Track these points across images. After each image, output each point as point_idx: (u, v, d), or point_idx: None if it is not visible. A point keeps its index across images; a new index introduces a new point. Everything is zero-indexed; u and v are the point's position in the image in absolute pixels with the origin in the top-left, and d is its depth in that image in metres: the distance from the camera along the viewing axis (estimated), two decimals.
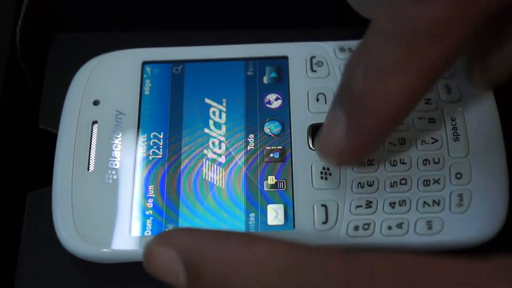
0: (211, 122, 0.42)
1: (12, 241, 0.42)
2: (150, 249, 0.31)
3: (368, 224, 0.38)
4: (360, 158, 0.38)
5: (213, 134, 0.42)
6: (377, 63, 0.32)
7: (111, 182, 0.41)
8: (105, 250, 0.39)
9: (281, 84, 0.43)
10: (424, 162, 0.40)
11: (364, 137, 0.34)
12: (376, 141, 0.35)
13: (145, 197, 0.40)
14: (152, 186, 0.41)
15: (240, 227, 0.40)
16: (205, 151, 0.42)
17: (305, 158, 0.41)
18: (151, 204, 0.40)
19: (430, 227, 0.38)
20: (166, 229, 0.34)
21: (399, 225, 0.38)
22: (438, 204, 0.39)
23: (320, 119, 0.41)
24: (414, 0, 0.30)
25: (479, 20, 0.31)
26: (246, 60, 0.44)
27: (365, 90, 0.32)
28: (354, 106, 0.33)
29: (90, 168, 0.41)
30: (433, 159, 0.40)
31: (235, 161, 0.41)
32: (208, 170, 0.41)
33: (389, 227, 0.38)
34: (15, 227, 0.43)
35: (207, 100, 0.43)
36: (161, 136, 0.42)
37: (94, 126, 0.42)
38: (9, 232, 0.43)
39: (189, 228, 0.33)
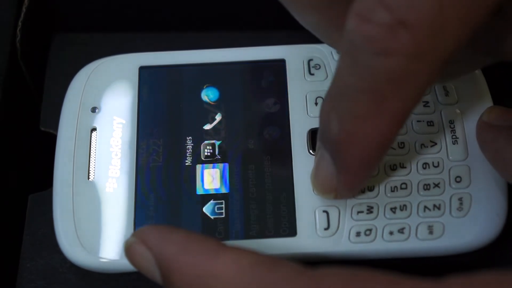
0: (209, 127, 0.40)
1: (13, 244, 0.40)
2: (130, 246, 0.31)
3: (370, 230, 0.36)
4: (354, 191, 0.37)
5: (212, 139, 0.39)
6: (349, 111, 0.30)
7: (111, 191, 0.38)
8: (107, 260, 0.37)
9: (279, 88, 0.40)
10: (424, 165, 0.38)
11: (351, 175, 0.34)
12: (365, 176, 0.34)
13: (146, 205, 0.38)
14: (153, 194, 0.38)
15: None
16: (204, 157, 0.39)
17: (306, 163, 0.38)
18: (153, 212, 0.38)
19: (431, 232, 0.36)
20: (143, 227, 0.32)
21: (401, 230, 0.36)
22: (439, 208, 0.37)
23: None
24: (375, 52, 0.28)
25: (440, 64, 0.28)
26: (243, 63, 0.41)
27: (342, 137, 0.31)
28: (335, 150, 0.33)
29: (90, 177, 0.39)
30: (433, 162, 0.38)
31: (235, 166, 0.39)
32: (209, 175, 0.38)
33: (391, 233, 0.36)
34: (16, 230, 0.41)
35: (205, 105, 0.40)
36: (160, 143, 0.39)
37: (93, 134, 0.40)
38: (10, 234, 0.41)
39: (162, 229, 0.31)
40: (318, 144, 0.35)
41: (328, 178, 0.35)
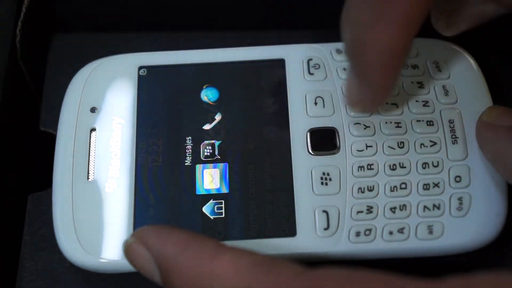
0: (209, 127, 0.40)
1: (13, 244, 0.40)
2: (129, 246, 0.31)
3: (370, 230, 0.36)
4: (376, 102, 0.37)
5: (212, 139, 0.39)
6: (355, 21, 0.32)
7: (111, 191, 0.38)
8: (106, 260, 0.37)
9: (279, 87, 0.40)
10: (423, 165, 0.37)
11: (372, 86, 0.34)
12: (385, 85, 0.34)
13: (146, 206, 0.38)
14: (153, 194, 0.38)
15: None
16: (204, 157, 0.39)
17: (305, 163, 0.38)
18: (152, 212, 0.37)
19: (431, 232, 0.36)
20: (143, 227, 0.32)
21: (400, 230, 0.36)
22: (438, 208, 0.37)
23: (319, 123, 0.39)
24: None
25: None
26: (243, 63, 0.41)
27: (353, 45, 0.33)
28: (351, 60, 0.34)
29: (90, 177, 0.38)
30: (432, 162, 0.38)
31: (235, 166, 0.38)
32: (208, 175, 0.38)
33: (390, 232, 0.36)
34: (16, 230, 0.41)
35: (205, 105, 0.40)
36: (160, 143, 0.39)
37: (92, 134, 0.39)
38: (10, 234, 0.41)
39: (162, 229, 0.31)
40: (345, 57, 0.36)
41: (353, 92, 0.35)
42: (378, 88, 0.35)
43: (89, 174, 0.38)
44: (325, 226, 0.36)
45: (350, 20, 0.32)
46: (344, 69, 0.40)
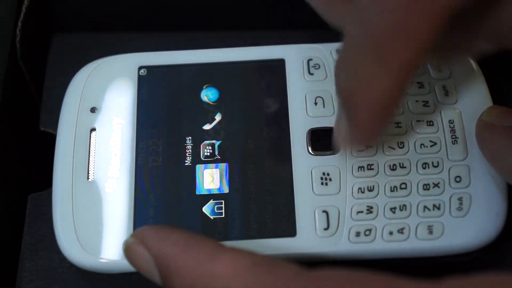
0: (209, 127, 0.39)
1: (13, 244, 0.40)
2: (129, 246, 0.31)
3: (370, 230, 0.36)
4: (366, 143, 0.37)
5: (212, 139, 0.39)
6: (354, 69, 0.31)
7: (111, 191, 0.38)
8: (106, 260, 0.36)
9: (278, 87, 0.40)
10: (423, 165, 0.37)
11: (361, 129, 0.33)
12: (374, 131, 0.34)
13: (146, 206, 0.38)
14: (153, 194, 0.38)
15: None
16: (204, 157, 0.39)
17: (305, 163, 0.38)
18: (153, 212, 0.37)
19: (431, 232, 0.36)
20: (143, 227, 0.32)
21: (400, 230, 0.36)
22: (438, 208, 0.36)
23: (319, 123, 0.39)
24: (375, 8, 0.29)
25: (440, 21, 0.29)
26: (243, 63, 0.41)
27: (350, 93, 0.32)
28: (345, 105, 0.33)
29: (90, 177, 0.38)
30: (432, 162, 0.37)
31: (235, 166, 0.38)
32: (208, 175, 0.38)
33: (390, 233, 0.36)
34: (16, 230, 0.41)
35: (205, 105, 0.40)
36: (160, 143, 0.39)
37: (92, 134, 0.39)
38: (10, 234, 0.41)
39: (162, 229, 0.31)
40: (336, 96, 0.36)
41: (343, 128, 0.35)
42: (369, 132, 0.34)
43: (89, 174, 0.38)
44: (325, 226, 0.36)
45: (346, 64, 0.32)
46: None
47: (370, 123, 0.33)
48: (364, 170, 0.37)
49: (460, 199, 0.36)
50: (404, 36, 0.29)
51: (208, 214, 0.37)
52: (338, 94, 0.34)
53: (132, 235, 0.31)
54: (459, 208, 0.36)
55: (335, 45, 0.41)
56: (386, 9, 0.29)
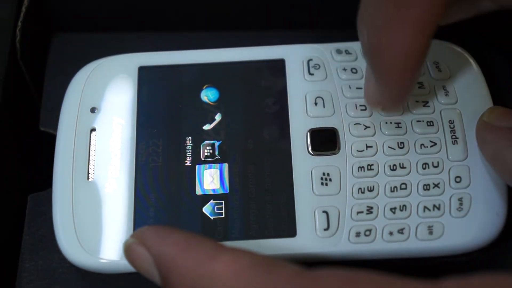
0: (209, 127, 0.39)
1: (12, 244, 0.40)
2: (129, 246, 0.31)
3: (370, 230, 0.36)
4: (396, 102, 0.37)
5: (212, 140, 0.39)
6: (372, 22, 0.32)
7: (111, 191, 0.38)
8: (106, 260, 0.37)
9: (279, 88, 0.40)
10: (424, 166, 0.37)
11: (390, 85, 0.34)
12: (404, 87, 0.34)
13: (146, 206, 0.38)
14: (153, 194, 0.38)
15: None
16: (204, 157, 0.39)
17: (305, 163, 0.38)
18: (153, 213, 0.37)
19: (431, 232, 0.36)
20: (142, 227, 0.32)
21: (400, 231, 0.36)
22: (439, 208, 0.36)
23: (319, 123, 0.39)
24: None
25: None
26: (243, 63, 0.41)
27: (371, 47, 0.33)
28: (371, 62, 0.34)
29: (90, 177, 0.38)
30: (432, 162, 0.37)
31: (235, 166, 0.38)
32: (208, 176, 0.38)
33: (391, 233, 0.36)
34: (15, 230, 0.40)
35: (205, 105, 0.40)
36: (160, 143, 0.39)
37: (92, 134, 0.39)
38: (10, 234, 0.41)
39: (161, 229, 0.31)
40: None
41: (372, 93, 0.35)
42: (397, 90, 0.35)
43: (89, 174, 0.38)
44: (325, 226, 0.36)
45: (366, 21, 0.32)
46: (344, 69, 0.40)
47: (400, 77, 0.33)
48: (364, 170, 0.37)
49: (460, 199, 0.36)
50: None
51: (208, 215, 0.37)
52: (364, 53, 0.34)
53: (132, 236, 0.31)
54: (459, 209, 0.36)
55: (335, 45, 0.41)
56: None
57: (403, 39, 0.31)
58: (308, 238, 0.36)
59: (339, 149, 0.38)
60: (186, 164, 0.38)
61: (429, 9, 0.30)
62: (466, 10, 0.36)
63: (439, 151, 0.38)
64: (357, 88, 0.39)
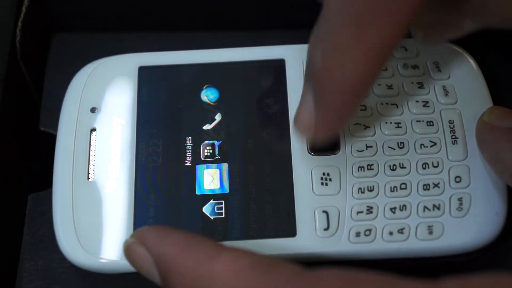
0: (209, 127, 0.39)
1: (13, 244, 0.40)
2: (129, 246, 0.31)
3: (370, 230, 0.36)
4: (329, 129, 0.35)
5: (212, 140, 0.39)
6: (330, 44, 0.31)
7: (111, 191, 0.38)
8: (106, 260, 0.36)
9: (279, 87, 0.40)
10: (423, 166, 0.37)
11: (329, 113, 0.33)
12: (342, 114, 0.33)
13: (146, 206, 0.38)
14: (153, 194, 0.38)
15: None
16: (204, 157, 0.39)
17: (305, 163, 0.38)
18: (153, 213, 0.37)
19: (431, 232, 0.36)
20: (142, 227, 0.32)
21: (400, 231, 0.36)
22: (438, 208, 0.36)
23: None
24: None
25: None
26: (243, 63, 0.41)
27: (323, 70, 0.31)
28: (317, 85, 0.32)
29: (90, 177, 0.38)
30: (432, 162, 0.37)
31: (234, 166, 0.38)
32: (208, 175, 0.38)
33: (390, 233, 0.36)
34: (16, 230, 0.40)
35: (205, 105, 0.40)
36: (160, 143, 0.39)
37: (92, 134, 0.39)
38: (10, 234, 0.40)
39: (161, 229, 0.31)
40: (304, 83, 0.34)
41: (306, 115, 0.34)
42: (337, 116, 0.34)
43: (89, 174, 0.38)
44: (325, 226, 0.36)
45: (321, 43, 0.31)
46: None
47: (340, 105, 0.32)
48: (364, 170, 0.37)
49: (460, 199, 0.36)
50: (385, 11, 0.29)
51: (208, 214, 0.37)
52: (308, 74, 0.33)
53: (132, 235, 0.31)
54: (459, 208, 0.36)
55: None
56: None
57: (360, 65, 0.30)
58: (308, 238, 0.36)
59: (339, 149, 0.38)
60: (186, 164, 0.38)
61: (392, 33, 0.30)
62: (449, 32, 0.36)
63: (439, 151, 0.38)
64: None
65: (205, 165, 0.38)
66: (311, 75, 0.33)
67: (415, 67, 0.40)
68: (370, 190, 0.37)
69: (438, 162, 0.37)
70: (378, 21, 0.29)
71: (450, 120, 0.38)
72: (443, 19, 0.34)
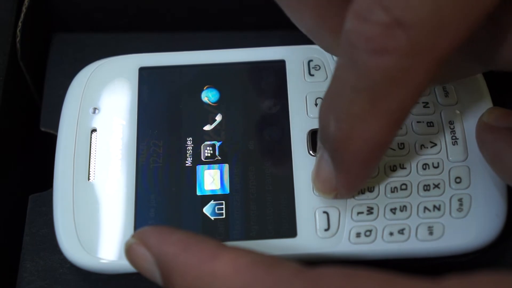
0: (210, 128, 0.40)
1: (13, 244, 0.40)
2: (130, 246, 0.31)
3: (370, 231, 0.36)
4: (353, 191, 0.37)
5: (212, 140, 0.39)
6: (346, 112, 0.31)
7: (112, 192, 0.38)
8: (107, 261, 0.36)
9: (279, 88, 0.40)
10: (424, 166, 0.37)
11: (349, 175, 0.34)
12: (363, 176, 0.34)
13: (147, 206, 0.38)
14: (154, 195, 0.38)
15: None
16: (205, 157, 0.39)
17: (306, 164, 0.38)
18: (153, 213, 0.37)
19: (431, 233, 0.36)
20: (143, 227, 0.32)
21: (401, 231, 0.36)
22: (439, 209, 0.36)
23: None
24: (371, 50, 0.28)
25: (435, 64, 0.28)
26: (243, 64, 0.41)
27: (338, 136, 0.32)
28: (333, 150, 0.33)
29: (90, 178, 0.38)
30: (432, 163, 0.38)
31: (235, 167, 0.38)
32: (209, 176, 0.38)
33: (391, 233, 0.36)
34: (16, 230, 0.40)
35: (206, 106, 0.40)
36: (161, 144, 0.39)
37: (93, 135, 0.39)
38: (11, 235, 0.41)
39: (162, 229, 0.31)
40: (318, 144, 0.35)
41: (328, 178, 0.35)
42: (360, 180, 0.34)
43: (90, 175, 0.38)
44: (326, 227, 0.36)
45: (338, 110, 0.31)
46: None
47: (361, 170, 0.33)
48: None
49: (460, 200, 0.36)
50: (402, 81, 0.28)
51: (208, 215, 0.37)
52: (323, 139, 0.33)
53: (133, 236, 0.31)
54: (459, 209, 0.36)
55: None
56: (381, 52, 0.28)
57: (378, 131, 0.30)
58: (309, 239, 0.36)
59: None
60: (186, 165, 0.38)
61: (409, 98, 0.29)
62: (458, 75, 0.36)
63: (439, 152, 0.38)
64: None
65: (206, 165, 0.38)
66: (326, 141, 0.33)
67: None
68: (371, 190, 0.37)
69: (438, 163, 0.37)
70: (396, 92, 0.29)
71: (450, 121, 0.38)
72: (453, 64, 0.34)
